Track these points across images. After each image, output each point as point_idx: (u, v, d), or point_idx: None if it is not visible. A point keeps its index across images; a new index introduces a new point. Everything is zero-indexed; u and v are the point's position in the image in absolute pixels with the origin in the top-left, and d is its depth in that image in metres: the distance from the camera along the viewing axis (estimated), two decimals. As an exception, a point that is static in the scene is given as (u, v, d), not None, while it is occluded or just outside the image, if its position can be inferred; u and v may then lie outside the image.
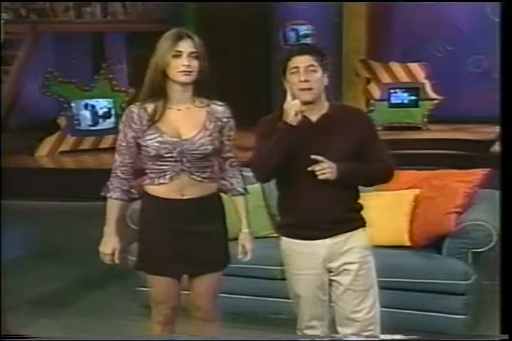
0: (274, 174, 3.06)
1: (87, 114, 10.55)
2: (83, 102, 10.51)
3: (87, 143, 10.62)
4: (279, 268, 4.30)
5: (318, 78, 2.98)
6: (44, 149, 10.35)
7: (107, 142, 10.68)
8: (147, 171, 3.08)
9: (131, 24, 11.90)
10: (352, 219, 3.09)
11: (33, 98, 11.11)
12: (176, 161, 3.00)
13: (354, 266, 3.06)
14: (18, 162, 9.68)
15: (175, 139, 2.99)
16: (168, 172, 3.01)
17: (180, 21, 11.77)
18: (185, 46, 2.96)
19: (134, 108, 3.05)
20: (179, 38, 2.97)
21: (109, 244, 3.13)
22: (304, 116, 2.98)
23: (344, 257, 3.05)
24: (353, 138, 2.99)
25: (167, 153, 2.99)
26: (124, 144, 3.06)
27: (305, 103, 2.97)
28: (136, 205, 4.62)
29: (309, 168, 2.92)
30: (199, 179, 3.04)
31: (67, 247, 6.30)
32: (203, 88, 3.03)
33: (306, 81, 2.95)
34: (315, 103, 3.01)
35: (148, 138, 3.00)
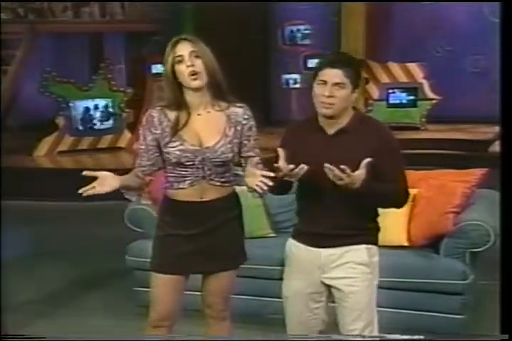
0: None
1: (85, 114, 10.55)
2: (81, 102, 10.50)
3: (85, 143, 10.62)
4: (276, 268, 4.30)
5: (344, 96, 2.86)
6: (42, 149, 10.35)
7: (105, 142, 10.70)
8: (167, 175, 3.09)
9: (129, 24, 11.89)
10: (353, 235, 2.97)
11: (31, 98, 11.09)
12: (197, 168, 3.01)
13: (344, 282, 2.97)
14: (16, 162, 9.67)
15: (196, 147, 2.99)
16: (188, 178, 3.03)
17: (178, 21, 11.78)
18: (183, 48, 2.97)
19: (154, 112, 3.05)
20: (176, 43, 2.99)
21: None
22: (322, 129, 2.94)
23: (336, 271, 2.98)
24: (367, 153, 2.82)
25: (188, 161, 3.00)
26: (142, 147, 3.06)
27: (324, 117, 2.91)
28: (135, 205, 4.64)
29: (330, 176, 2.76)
30: (218, 184, 3.05)
31: (66, 247, 6.29)
32: (218, 91, 3.02)
33: (330, 96, 2.85)
34: (335, 118, 2.91)
35: (170, 145, 3.00)
